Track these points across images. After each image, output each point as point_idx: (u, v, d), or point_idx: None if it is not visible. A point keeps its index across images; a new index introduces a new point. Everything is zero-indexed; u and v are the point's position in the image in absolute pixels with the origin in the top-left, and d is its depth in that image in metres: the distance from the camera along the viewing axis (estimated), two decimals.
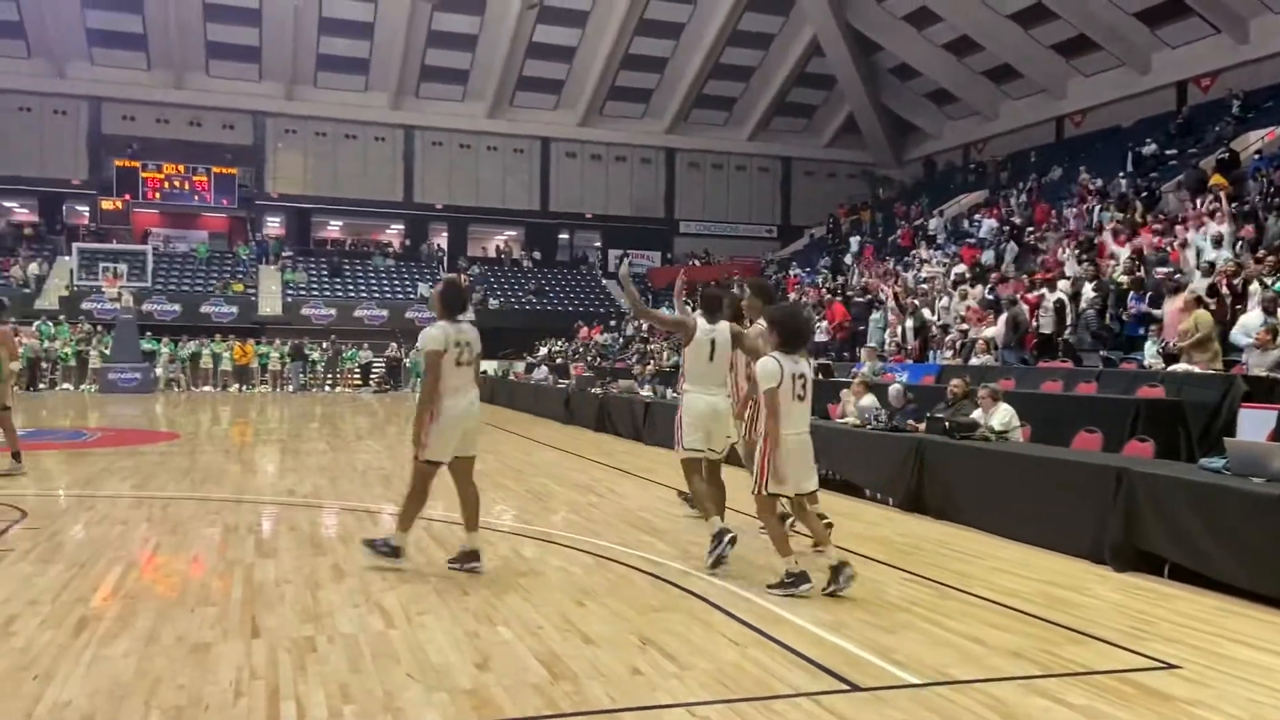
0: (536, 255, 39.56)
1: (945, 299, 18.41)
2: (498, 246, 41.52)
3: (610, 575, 5.98)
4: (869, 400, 10.40)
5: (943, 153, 37.02)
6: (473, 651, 4.39)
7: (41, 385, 26.25)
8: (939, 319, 17.79)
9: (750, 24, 34.63)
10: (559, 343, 30.83)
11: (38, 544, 6.47)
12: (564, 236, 41.19)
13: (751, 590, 5.56)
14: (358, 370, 31.56)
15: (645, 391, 16.18)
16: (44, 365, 26.84)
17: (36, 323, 27.97)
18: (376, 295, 34.80)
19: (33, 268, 31.66)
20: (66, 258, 31.07)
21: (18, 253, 32.36)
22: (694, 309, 7.20)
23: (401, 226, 39.58)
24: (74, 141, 34.62)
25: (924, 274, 21.41)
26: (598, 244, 41.24)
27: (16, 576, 5.57)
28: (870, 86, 35.67)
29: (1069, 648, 4.64)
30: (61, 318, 28.83)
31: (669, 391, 15.40)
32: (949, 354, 16.33)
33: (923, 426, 8.94)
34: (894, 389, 10.64)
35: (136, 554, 6.35)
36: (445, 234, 39.67)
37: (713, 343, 6.42)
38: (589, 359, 26.49)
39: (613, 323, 32.21)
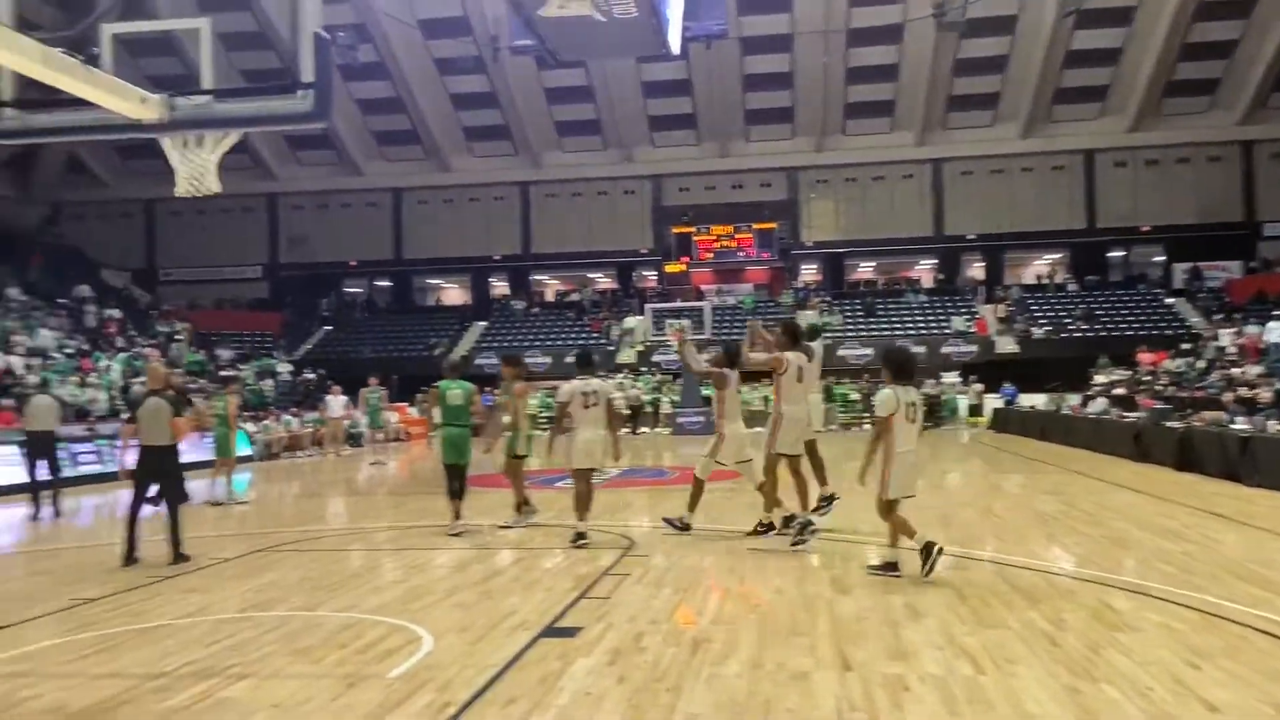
0: (1093, 279, 36.41)
1: None
2: (1038, 272, 39.16)
3: (1224, 635, 5.25)
4: None
5: None
6: (1075, 708, 4.10)
7: (643, 429, 29.86)
8: None
9: None
10: (1118, 371, 27.90)
11: (647, 570, 7.42)
12: (1116, 254, 37.51)
13: None
14: None
15: (1241, 424, 13.88)
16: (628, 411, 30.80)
17: (619, 375, 32.33)
18: (911, 332, 34.69)
19: (628, 321, 36.74)
20: (640, 317, 35.76)
21: (604, 315, 38.05)
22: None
23: (933, 261, 39.20)
24: (640, 216, 39.96)
25: None
26: (1159, 258, 36.87)
27: (637, 598, 6.43)
28: None
29: None
30: (643, 369, 33.11)
31: (1271, 423, 13.14)
32: None
33: None
34: None
35: (727, 582, 6.97)
36: (980, 263, 38.49)
37: (800, 368, 8.41)
38: (1157, 388, 23.56)
39: (1185, 346, 28.36)
